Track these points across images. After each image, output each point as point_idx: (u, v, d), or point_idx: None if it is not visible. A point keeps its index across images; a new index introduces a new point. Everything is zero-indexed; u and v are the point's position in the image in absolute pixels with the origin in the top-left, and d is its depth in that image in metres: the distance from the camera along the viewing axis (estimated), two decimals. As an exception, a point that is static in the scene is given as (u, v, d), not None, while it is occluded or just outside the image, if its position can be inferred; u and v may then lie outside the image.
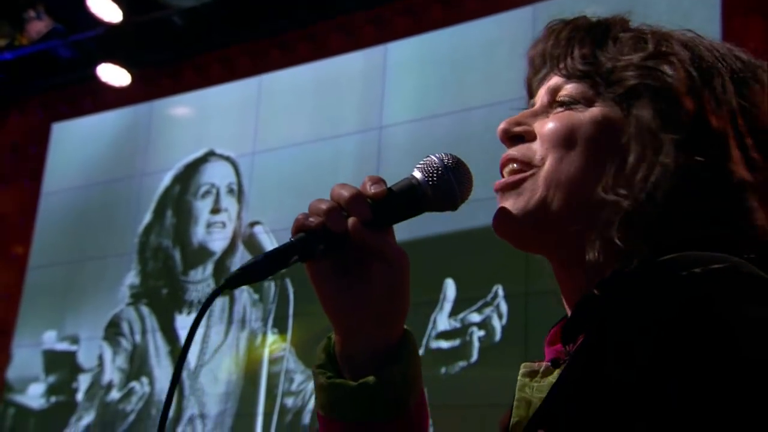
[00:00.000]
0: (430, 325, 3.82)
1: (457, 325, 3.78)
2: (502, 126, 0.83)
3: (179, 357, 0.75)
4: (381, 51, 4.50)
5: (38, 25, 4.94)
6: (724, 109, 0.76)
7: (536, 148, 0.80)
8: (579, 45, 0.82)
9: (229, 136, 4.86)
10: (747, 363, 0.56)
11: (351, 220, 0.76)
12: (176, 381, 0.77)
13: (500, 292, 3.73)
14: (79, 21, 5.01)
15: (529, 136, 0.82)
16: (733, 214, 0.72)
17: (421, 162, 0.80)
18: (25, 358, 5.04)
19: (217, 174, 4.83)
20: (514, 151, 0.82)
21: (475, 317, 3.76)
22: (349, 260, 0.78)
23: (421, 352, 3.79)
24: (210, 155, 4.90)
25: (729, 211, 0.72)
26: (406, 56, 4.43)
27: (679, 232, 0.71)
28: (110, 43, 5.07)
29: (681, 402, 0.56)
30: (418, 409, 0.79)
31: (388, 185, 0.78)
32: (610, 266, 0.73)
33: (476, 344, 3.73)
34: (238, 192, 4.72)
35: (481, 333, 3.73)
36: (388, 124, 4.34)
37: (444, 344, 3.78)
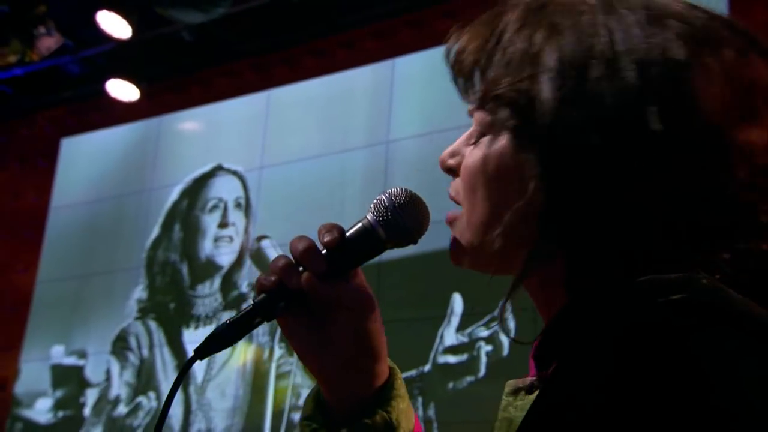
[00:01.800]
0: (438, 340, 3.81)
1: (465, 339, 3.77)
2: (440, 157, 0.82)
3: (163, 407, 0.78)
4: (388, 65, 4.52)
5: (48, 41, 4.98)
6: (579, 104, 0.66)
7: (459, 185, 0.78)
8: (475, 63, 0.76)
9: (237, 150, 4.88)
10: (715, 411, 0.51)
11: (305, 275, 0.76)
12: (162, 422, 0.79)
13: (508, 307, 3.71)
14: (89, 37, 5.05)
15: (458, 170, 0.79)
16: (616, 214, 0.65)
17: (373, 202, 0.80)
18: (33, 373, 5.04)
19: (225, 188, 4.84)
20: (450, 189, 0.80)
21: (483, 332, 3.75)
22: (314, 312, 0.78)
23: (428, 367, 3.79)
24: (218, 170, 4.92)
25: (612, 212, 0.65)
26: (414, 70, 4.45)
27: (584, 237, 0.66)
28: (119, 58, 5.10)
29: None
30: None
31: (343, 231, 0.78)
32: (557, 276, 0.70)
33: (484, 359, 3.71)
34: (246, 206, 4.73)
35: (489, 348, 3.72)
36: (395, 139, 4.34)
37: (451, 359, 3.76)
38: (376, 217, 0.79)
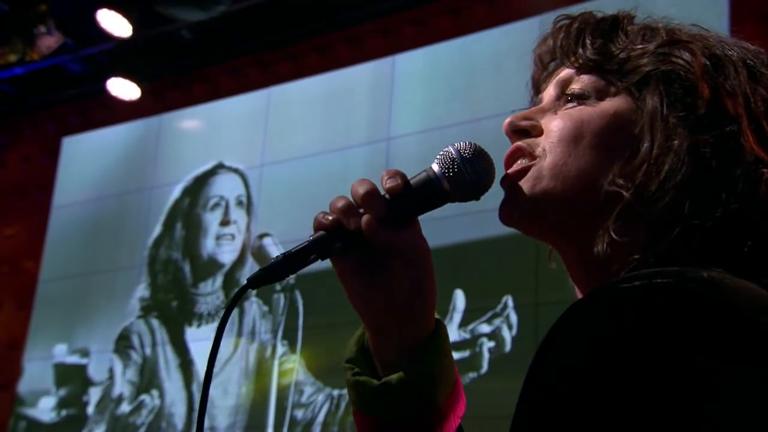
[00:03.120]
0: (440, 337, 3.80)
1: (467, 336, 3.77)
2: (507, 120, 0.81)
3: (208, 363, 0.81)
4: (389, 62, 4.51)
5: (49, 40, 4.98)
6: (738, 93, 0.74)
7: (543, 141, 0.79)
8: (590, 36, 0.80)
9: (238, 148, 4.87)
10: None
11: (365, 218, 0.76)
12: (207, 385, 0.82)
13: (510, 303, 3.71)
14: (89, 36, 5.05)
15: (535, 131, 0.80)
16: (746, 194, 0.70)
17: (440, 153, 0.79)
18: (36, 372, 5.05)
19: (227, 186, 4.84)
20: (523, 143, 0.80)
21: (485, 328, 3.75)
22: (370, 256, 0.78)
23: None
24: (219, 168, 4.92)
25: (743, 192, 0.70)
26: (415, 67, 4.44)
27: (685, 223, 0.69)
28: (120, 57, 5.10)
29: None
30: (449, 404, 0.79)
31: (407, 179, 0.78)
32: (616, 261, 0.72)
33: (486, 355, 3.71)
34: (247, 204, 4.73)
35: (491, 344, 3.72)
36: (396, 135, 4.34)
37: (454, 355, 3.76)
38: (442, 168, 0.78)
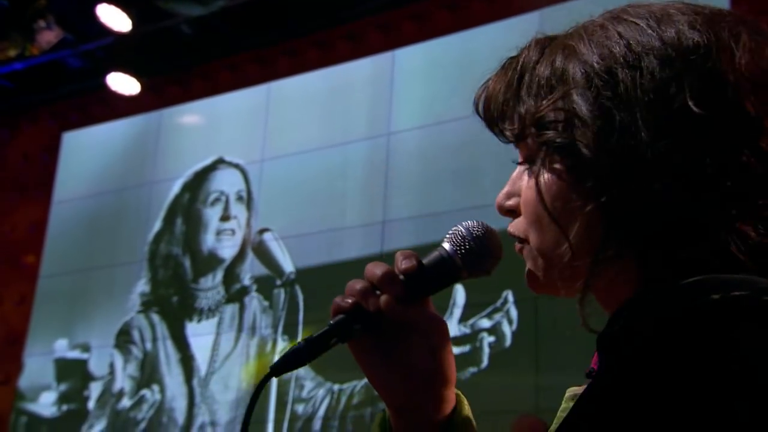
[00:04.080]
0: (440, 331, 3.81)
1: (467, 330, 3.78)
2: (496, 201, 0.81)
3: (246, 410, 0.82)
4: (389, 57, 4.51)
5: (48, 35, 4.97)
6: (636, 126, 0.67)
7: (521, 222, 0.79)
8: (503, 107, 0.78)
9: (238, 143, 4.87)
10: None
11: (383, 298, 0.78)
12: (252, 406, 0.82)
13: (510, 298, 3.72)
14: (89, 31, 5.05)
15: (519, 211, 0.80)
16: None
17: (450, 232, 0.83)
18: (37, 367, 5.06)
19: (227, 181, 4.85)
20: (512, 228, 0.81)
21: (485, 323, 3.75)
22: (388, 336, 0.80)
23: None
24: (219, 163, 4.92)
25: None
26: (414, 62, 4.44)
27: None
28: (120, 52, 5.10)
29: None
30: None
31: (420, 259, 0.81)
32: (622, 276, 0.71)
33: (486, 350, 3.72)
34: (248, 199, 4.73)
35: (491, 339, 3.73)
36: (396, 131, 4.34)
37: (454, 350, 3.73)
38: (453, 247, 0.81)
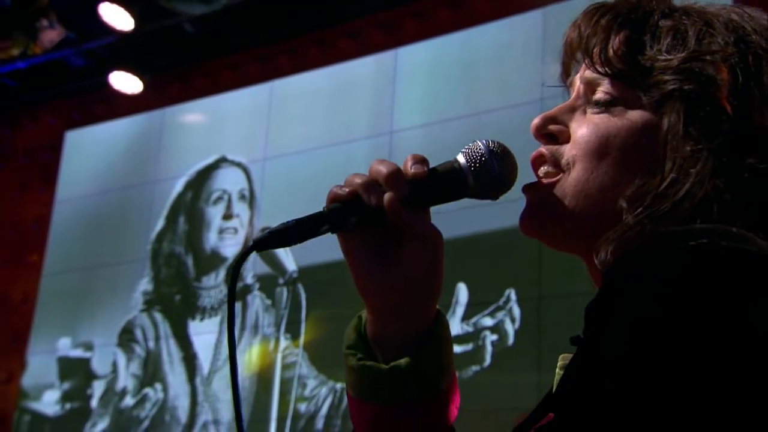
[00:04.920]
0: (443, 330, 3.81)
1: (470, 329, 3.78)
2: (536, 121, 0.80)
3: (228, 339, 0.76)
4: (391, 56, 4.50)
5: (51, 34, 4.97)
6: None
7: (567, 151, 0.78)
8: (616, 38, 0.77)
9: (241, 142, 4.87)
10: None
11: (388, 195, 0.74)
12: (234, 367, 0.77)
13: (513, 296, 3.71)
14: (91, 29, 5.05)
15: (562, 137, 0.79)
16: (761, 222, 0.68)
17: (467, 147, 0.78)
18: (40, 366, 5.06)
19: (229, 180, 4.85)
20: (546, 150, 0.79)
21: (488, 321, 3.75)
22: (382, 237, 0.77)
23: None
24: (222, 161, 4.92)
25: (757, 219, 0.68)
26: (417, 61, 4.43)
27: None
28: (122, 50, 5.10)
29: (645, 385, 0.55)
30: (450, 392, 0.79)
31: (431, 166, 0.77)
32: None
33: (489, 348, 3.72)
34: (250, 198, 4.74)
35: (494, 337, 3.72)
36: (399, 129, 4.34)
37: (457, 348, 3.77)
38: (468, 161, 0.76)
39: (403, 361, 0.76)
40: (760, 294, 0.56)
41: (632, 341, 0.56)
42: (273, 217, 4.59)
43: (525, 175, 0.81)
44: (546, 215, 0.77)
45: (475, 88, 4.17)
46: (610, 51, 0.77)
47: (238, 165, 4.84)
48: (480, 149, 0.76)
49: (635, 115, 0.75)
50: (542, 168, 0.79)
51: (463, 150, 0.77)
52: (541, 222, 0.78)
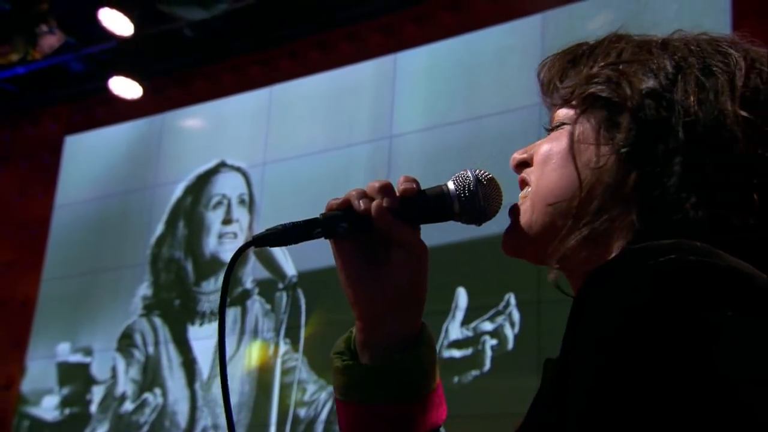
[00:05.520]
0: (442, 334, 3.81)
1: (470, 334, 3.77)
2: (512, 157, 0.87)
3: (219, 336, 0.81)
4: (391, 60, 4.51)
5: (50, 40, 4.98)
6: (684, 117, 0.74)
7: (531, 170, 0.84)
8: (564, 72, 0.83)
9: (241, 146, 4.88)
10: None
11: (375, 203, 0.80)
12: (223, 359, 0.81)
13: (512, 301, 3.71)
14: (91, 35, 5.05)
15: (531, 161, 0.85)
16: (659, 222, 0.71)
17: (457, 174, 0.83)
18: (39, 371, 5.05)
19: (229, 185, 4.84)
20: (522, 174, 0.86)
21: (488, 326, 3.74)
22: (372, 245, 0.82)
23: (433, 361, 3.79)
24: (221, 166, 4.92)
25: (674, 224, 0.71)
26: (417, 65, 4.44)
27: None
28: (122, 55, 5.10)
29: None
30: (434, 399, 0.82)
31: (422, 188, 0.83)
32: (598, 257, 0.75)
33: (489, 353, 3.71)
34: (250, 202, 4.73)
35: (494, 342, 3.72)
36: (398, 133, 4.34)
37: (456, 353, 3.76)
38: (457, 189, 0.82)
39: (385, 363, 0.80)
40: (741, 312, 0.57)
41: (600, 370, 0.58)
42: (273, 222, 4.52)
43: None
44: (516, 236, 0.83)
45: (474, 92, 4.17)
46: (559, 83, 0.83)
47: (238, 170, 4.84)
48: (469, 179, 0.82)
49: (572, 127, 0.80)
50: (523, 191, 0.86)
51: (453, 177, 0.83)
52: (513, 243, 0.83)
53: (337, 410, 0.84)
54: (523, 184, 0.84)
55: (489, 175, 0.83)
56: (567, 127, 0.81)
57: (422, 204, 0.81)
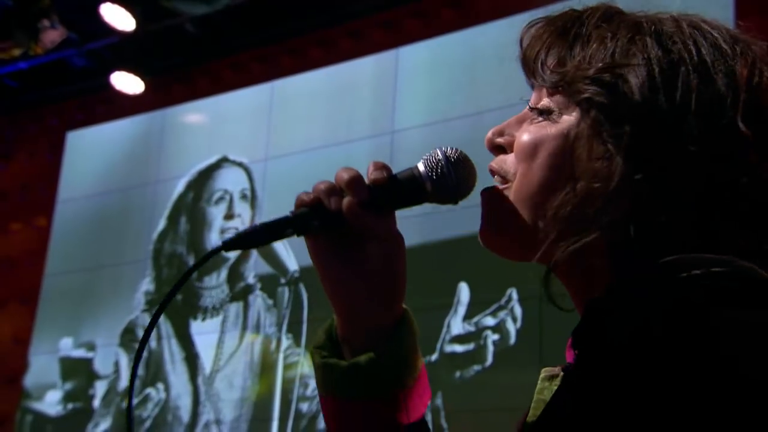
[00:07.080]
0: (445, 329, 3.81)
1: (472, 328, 3.78)
2: (487, 135, 0.84)
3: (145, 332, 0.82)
4: (392, 55, 4.50)
5: (52, 35, 4.98)
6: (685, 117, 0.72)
7: (511, 160, 0.81)
8: (550, 51, 0.80)
9: (242, 142, 4.88)
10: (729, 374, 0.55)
11: (346, 200, 0.78)
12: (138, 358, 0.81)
13: (514, 295, 3.71)
14: (93, 30, 5.05)
15: (509, 148, 0.82)
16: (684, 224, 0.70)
17: (426, 154, 0.81)
18: (42, 366, 5.07)
19: (231, 180, 4.85)
20: (494, 164, 0.83)
21: (490, 321, 3.75)
22: (346, 240, 0.80)
23: (435, 356, 3.79)
24: (223, 161, 4.92)
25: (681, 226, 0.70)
26: (418, 60, 4.43)
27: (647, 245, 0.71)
28: (124, 51, 5.10)
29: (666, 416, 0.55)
30: (416, 388, 0.81)
31: (394, 173, 0.81)
32: (599, 268, 0.74)
33: (491, 348, 3.72)
34: (251, 198, 4.74)
35: (496, 336, 3.72)
36: (400, 129, 4.34)
37: (458, 348, 3.77)
38: (426, 169, 0.80)
39: (363, 357, 0.79)
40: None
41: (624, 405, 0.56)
42: (274, 217, 4.58)
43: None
44: (496, 230, 0.81)
45: (476, 87, 4.16)
46: (546, 63, 0.80)
47: (240, 165, 4.85)
48: (437, 156, 0.80)
49: (565, 121, 0.77)
50: (495, 179, 0.83)
51: (423, 157, 0.82)
52: (492, 238, 0.82)
53: (321, 406, 0.83)
54: (497, 174, 0.82)
55: (459, 152, 0.81)
56: (557, 120, 0.77)
57: (395, 190, 0.80)
